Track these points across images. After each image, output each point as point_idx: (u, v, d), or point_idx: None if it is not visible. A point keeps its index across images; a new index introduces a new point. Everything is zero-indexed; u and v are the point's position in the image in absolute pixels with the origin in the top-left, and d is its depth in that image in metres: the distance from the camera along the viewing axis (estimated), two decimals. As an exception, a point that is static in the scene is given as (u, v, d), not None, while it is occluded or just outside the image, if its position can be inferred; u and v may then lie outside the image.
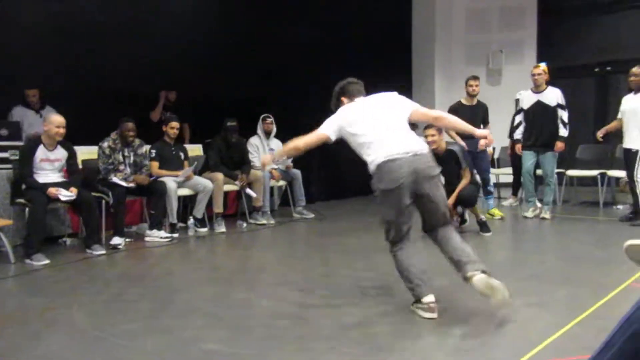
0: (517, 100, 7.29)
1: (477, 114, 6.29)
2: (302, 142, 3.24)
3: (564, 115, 6.13)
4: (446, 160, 5.27)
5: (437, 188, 3.14)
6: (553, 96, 6.17)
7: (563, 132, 6.13)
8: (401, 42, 9.69)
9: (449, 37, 9.79)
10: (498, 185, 8.26)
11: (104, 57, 6.44)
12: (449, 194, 5.27)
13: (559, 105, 6.14)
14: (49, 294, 3.66)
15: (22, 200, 4.69)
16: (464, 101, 6.51)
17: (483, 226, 5.45)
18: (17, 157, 4.93)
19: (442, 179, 5.40)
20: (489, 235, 5.39)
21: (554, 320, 2.91)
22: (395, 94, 3.38)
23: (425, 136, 5.30)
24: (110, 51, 6.45)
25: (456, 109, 6.20)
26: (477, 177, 6.06)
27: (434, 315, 2.97)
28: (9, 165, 5.01)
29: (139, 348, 2.66)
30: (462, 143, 5.88)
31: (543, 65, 6.32)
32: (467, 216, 5.72)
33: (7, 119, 5.80)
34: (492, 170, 8.21)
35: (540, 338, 2.65)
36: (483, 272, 2.92)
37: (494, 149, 8.20)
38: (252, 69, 7.50)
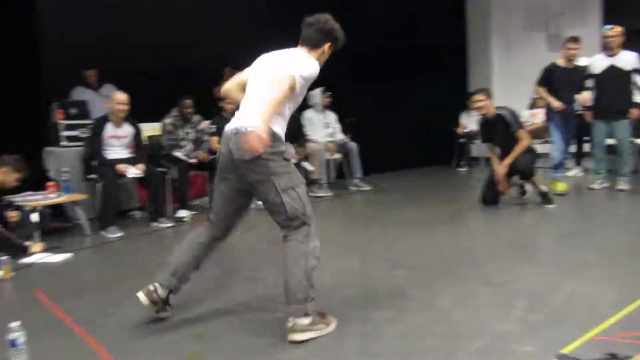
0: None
1: (573, 78, 5.93)
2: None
3: (639, 80, 5.71)
4: (495, 124, 5.14)
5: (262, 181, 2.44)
6: (628, 60, 5.70)
7: (639, 98, 5.74)
8: (454, 7, 9.36)
9: (507, 1, 9.37)
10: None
11: (164, 34, 6.58)
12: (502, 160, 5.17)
13: (635, 70, 5.68)
14: (124, 264, 3.89)
15: (93, 176, 4.95)
16: (559, 62, 6.08)
17: (545, 198, 5.27)
18: (87, 135, 5.19)
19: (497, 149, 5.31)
20: (552, 207, 5.24)
21: (623, 294, 2.84)
22: (295, 55, 2.60)
23: (473, 102, 5.18)
24: (170, 28, 6.58)
25: (551, 70, 5.98)
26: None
27: None
28: (80, 143, 5.27)
29: (208, 314, 2.81)
30: (557, 104, 5.73)
31: (619, 27, 5.80)
32: (528, 187, 5.57)
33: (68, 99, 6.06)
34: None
35: (609, 312, 2.60)
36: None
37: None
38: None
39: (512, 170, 5.20)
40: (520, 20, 9.44)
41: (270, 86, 2.42)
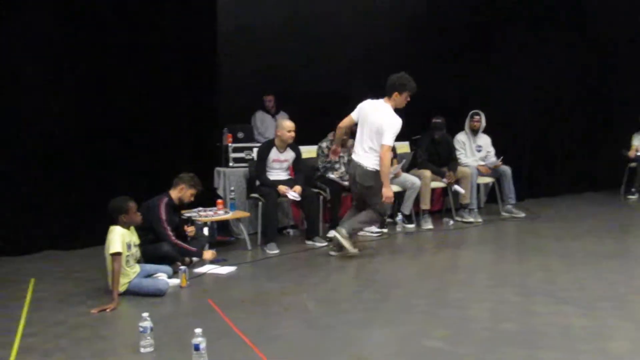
0: None
1: None
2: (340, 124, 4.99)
3: None
4: None
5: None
6: None
7: None
8: (630, 13, 8.46)
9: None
10: None
11: (324, 62, 7.01)
12: None
13: None
14: (282, 280, 4.14)
15: (256, 195, 5.35)
16: None
17: None
18: (251, 157, 5.64)
19: None
20: None
21: None
22: (387, 118, 4.55)
23: None
24: (329, 56, 7.01)
25: None
26: None
27: None
28: (245, 164, 5.74)
29: (365, 337, 2.87)
30: None
31: None
32: None
33: (250, 122, 6.70)
34: None
35: None
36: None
37: None
38: (458, 68, 7.41)
39: None
40: None
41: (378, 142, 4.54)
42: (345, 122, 4.85)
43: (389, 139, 4.44)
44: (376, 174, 4.51)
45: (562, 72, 7.89)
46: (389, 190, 4.53)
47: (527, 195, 7.70)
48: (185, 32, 5.63)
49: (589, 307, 3.21)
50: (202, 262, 4.53)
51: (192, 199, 4.48)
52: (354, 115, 4.76)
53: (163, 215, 4.18)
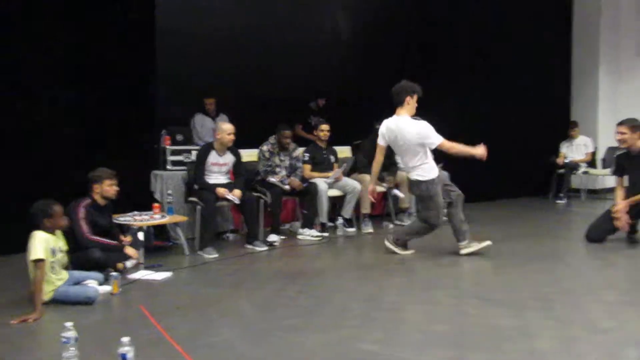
0: None
1: None
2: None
3: None
4: (637, 160, 4.85)
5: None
6: None
7: None
8: (559, 32, 8.94)
9: (616, 24, 8.83)
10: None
11: (266, 67, 7.03)
12: (631, 196, 4.86)
13: None
14: (219, 285, 4.06)
15: (194, 199, 5.24)
16: None
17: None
18: (190, 160, 5.53)
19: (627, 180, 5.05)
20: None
21: None
22: (416, 126, 4.69)
23: (617, 133, 4.95)
24: (271, 62, 7.06)
25: None
26: None
27: None
28: (184, 167, 5.62)
29: (300, 343, 2.86)
30: None
31: None
32: (638, 226, 5.16)
33: (189, 124, 6.55)
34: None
35: None
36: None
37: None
38: (402, 71, 7.57)
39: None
40: (632, 44, 8.86)
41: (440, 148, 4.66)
42: (378, 157, 4.95)
43: (436, 138, 4.59)
44: (420, 183, 4.65)
45: (499, 84, 8.22)
46: (476, 150, 4.72)
47: (465, 199, 7.93)
48: (122, 32, 5.47)
49: (517, 307, 3.32)
50: (136, 268, 4.39)
51: (115, 188, 4.28)
52: (381, 142, 4.84)
53: (80, 214, 4.04)
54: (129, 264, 4.42)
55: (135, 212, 4.99)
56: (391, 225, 6.35)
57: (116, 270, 3.99)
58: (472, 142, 8.10)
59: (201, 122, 6.67)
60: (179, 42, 6.52)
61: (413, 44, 7.84)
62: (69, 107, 5.19)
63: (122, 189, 4.38)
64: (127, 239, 4.35)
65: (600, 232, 5.09)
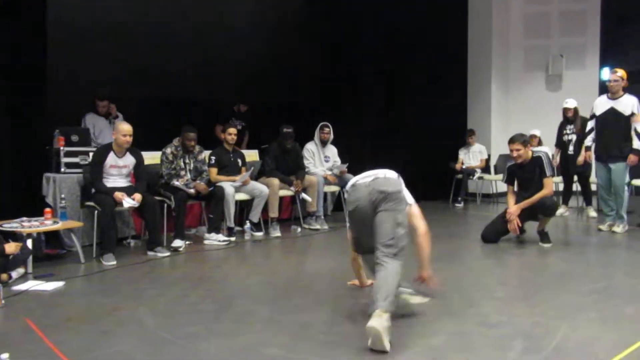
0: (564, 109, 7.24)
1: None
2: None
3: (638, 126, 5.65)
4: (532, 167, 5.24)
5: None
6: (629, 104, 5.71)
7: (637, 144, 5.64)
8: (456, 47, 9.54)
9: (506, 42, 9.58)
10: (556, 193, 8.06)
11: (169, 67, 6.82)
12: (524, 199, 5.23)
13: (633, 115, 5.67)
14: (117, 294, 3.85)
15: (91, 203, 4.95)
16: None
17: (544, 237, 5.33)
18: (87, 162, 5.21)
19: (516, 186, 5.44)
20: (549, 246, 5.26)
21: (620, 338, 2.82)
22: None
23: (511, 150, 5.29)
24: (175, 62, 6.86)
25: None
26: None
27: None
28: (79, 170, 5.28)
29: (203, 351, 2.77)
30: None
31: (621, 71, 5.85)
32: (525, 227, 5.58)
33: (80, 125, 6.12)
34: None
35: (605, 356, 2.59)
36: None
37: (552, 156, 8.00)
38: (309, 77, 7.69)
39: (531, 212, 5.28)
40: (520, 61, 9.63)
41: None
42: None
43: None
44: None
45: (404, 96, 8.55)
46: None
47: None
48: (13, 25, 5.09)
49: (413, 306, 3.45)
50: (24, 279, 4.06)
51: None
52: None
53: None
54: (14, 274, 4.09)
55: (24, 218, 4.62)
56: (299, 229, 6.37)
57: (-1, 281, 3.66)
58: (379, 149, 8.35)
59: (93, 122, 6.24)
60: (72, 37, 6.17)
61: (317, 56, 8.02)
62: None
63: (10, 193, 4.04)
64: (11, 248, 3.99)
65: (495, 233, 5.47)
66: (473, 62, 9.62)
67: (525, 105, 9.45)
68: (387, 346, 2.66)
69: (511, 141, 5.31)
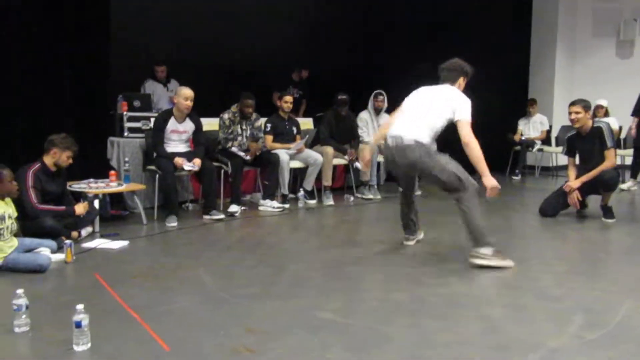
0: None
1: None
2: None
3: None
4: (592, 138, 5.00)
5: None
6: None
7: None
8: (519, 11, 9.10)
9: (574, 4, 9.04)
10: (624, 167, 7.68)
11: (228, 35, 6.90)
12: (585, 173, 5.02)
13: None
14: (178, 254, 4.01)
15: (152, 167, 5.12)
16: None
17: (607, 212, 5.11)
18: (148, 127, 5.38)
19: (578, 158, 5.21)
20: (613, 222, 5.05)
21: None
22: (459, 98, 3.66)
23: (570, 112, 5.06)
24: (234, 30, 6.94)
25: None
26: None
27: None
28: (142, 135, 5.46)
29: (259, 310, 2.86)
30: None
31: None
32: (587, 201, 5.36)
33: (140, 91, 6.32)
34: (618, 151, 7.65)
35: (674, 336, 2.48)
36: None
37: (620, 128, 7.60)
38: (363, 44, 7.58)
39: (592, 186, 5.05)
40: (588, 25, 9.09)
41: (460, 127, 3.59)
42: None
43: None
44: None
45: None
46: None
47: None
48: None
49: (471, 276, 3.42)
50: (92, 237, 4.29)
51: (70, 161, 4.16)
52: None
53: (29, 182, 3.88)
54: (84, 232, 4.32)
55: (91, 180, 4.85)
56: (352, 198, 6.39)
57: (70, 238, 3.88)
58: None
59: (152, 89, 6.47)
60: (132, 6, 6.29)
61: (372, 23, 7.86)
62: (26, 71, 4.96)
63: (77, 155, 4.24)
64: (80, 208, 4.20)
65: (553, 207, 5.29)
66: (537, 26, 9.13)
67: (593, 73, 8.96)
68: (503, 263, 3.49)
69: (572, 104, 5.07)
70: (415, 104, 3.77)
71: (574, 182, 5.07)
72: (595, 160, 5.00)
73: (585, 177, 5.01)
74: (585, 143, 5.11)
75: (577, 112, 4.99)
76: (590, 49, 9.10)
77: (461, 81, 3.84)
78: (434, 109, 3.65)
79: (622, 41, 8.89)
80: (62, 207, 4.09)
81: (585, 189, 5.11)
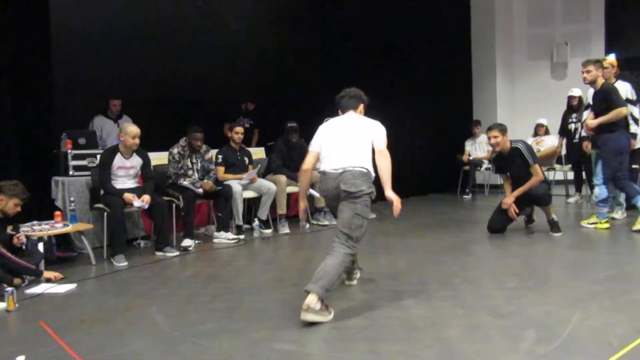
0: (568, 97, 7.23)
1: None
2: (305, 166, 3.59)
3: (634, 110, 5.66)
4: (512, 158, 5.21)
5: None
6: (622, 90, 5.61)
7: (634, 128, 5.65)
8: (460, 37, 9.50)
9: (510, 30, 9.52)
10: (566, 182, 8.03)
11: (174, 68, 6.86)
12: (517, 188, 5.23)
13: (628, 101, 5.59)
14: (129, 294, 3.87)
15: (100, 205, 4.97)
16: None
17: (553, 226, 5.31)
18: (94, 165, 5.24)
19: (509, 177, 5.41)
20: (559, 235, 5.24)
21: (633, 325, 2.81)
22: (372, 122, 3.59)
23: (488, 137, 5.27)
24: (180, 63, 6.92)
25: None
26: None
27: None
28: (88, 173, 5.31)
29: (216, 347, 2.79)
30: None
31: (611, 58, 5.88)
32: (534, 216, 5.56)
33: (89, 128, 6.17)
34: (556, 166, 7.99)
35: (619, 344, 2.57)
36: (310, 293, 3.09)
37: (561, 145, 7.94)
38: (313, 72, 7.69)
39: (526, 200, 5.27)
40: (524, 49, 9.56)
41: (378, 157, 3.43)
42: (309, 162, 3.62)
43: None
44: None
45: (408, 87, 8.53)
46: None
47: (378, 198, 8.15)
48: (16, 34, 5.12)
49: (427, 298, 3.45)
50: (37, 282, 4.10)
51: (18, 209, 4.02)
52: (314, 147, 3.60)
53: None
54: (27, 278, 4.12)
55: (35, 222, 4.65)
56: (307, 225, 6.37)
57: (12, 285, 3.69)
58: (388, 145, 8.35)
59: (101, 125, 6.32)
60: (76, 41, 6.19)
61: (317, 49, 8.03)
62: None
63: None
64: (17, 238, 4.05)
65: (500, 222, 5.45)
66: (477, 52, 9.60)
67: (531, 94, 9.40)
68: (312, 318, 3.01)
69: (489, 129, 5.31)
70: (338, 136, 3.50)
71: (508, 198, 5.30)
72: (525, 177, 5.23)
73: (518, 192, 5.26)
74: (510, 162, 5.33)
75: (495, 137, 5.22)
76: (527, 71, 9.56)
77: (362, 108, 3.70)
78: (358, 137, 3.46)
79: (556, 63, 9.38)
80: (32, 267, 4.00)
81: (524, 203, 5.36)
